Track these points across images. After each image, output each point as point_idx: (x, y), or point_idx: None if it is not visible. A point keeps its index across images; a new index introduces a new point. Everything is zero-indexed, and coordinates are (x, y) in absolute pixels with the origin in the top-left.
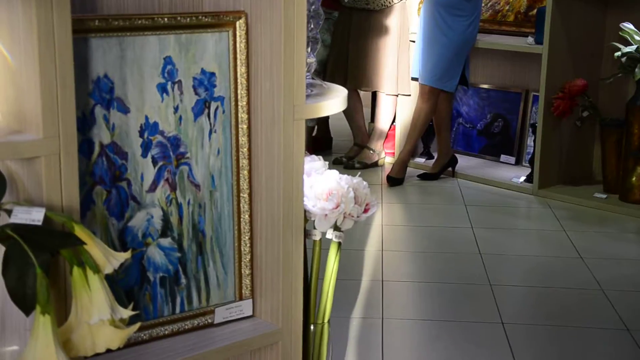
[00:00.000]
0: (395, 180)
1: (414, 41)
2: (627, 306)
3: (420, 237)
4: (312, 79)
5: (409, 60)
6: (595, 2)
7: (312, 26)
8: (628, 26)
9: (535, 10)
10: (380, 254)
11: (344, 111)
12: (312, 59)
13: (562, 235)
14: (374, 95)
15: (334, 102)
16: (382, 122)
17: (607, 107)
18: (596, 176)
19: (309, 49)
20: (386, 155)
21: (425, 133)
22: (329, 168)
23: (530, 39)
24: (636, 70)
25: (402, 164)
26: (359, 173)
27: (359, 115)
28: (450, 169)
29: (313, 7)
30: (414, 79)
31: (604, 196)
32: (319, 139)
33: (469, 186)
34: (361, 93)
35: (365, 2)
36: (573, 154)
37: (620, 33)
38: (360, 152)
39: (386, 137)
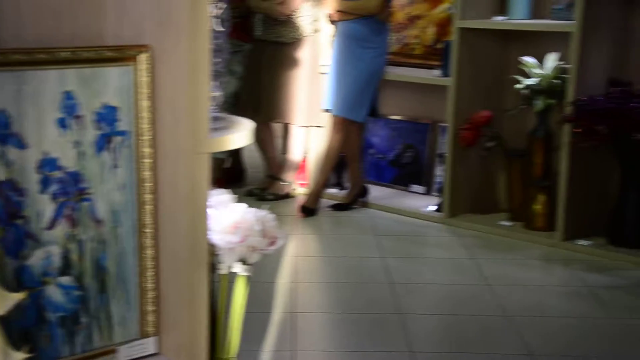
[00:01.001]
0: (309, 210)
1: (325, 73)
2: (533, 332)
3: (333, 268)
4: (218, 112)
5: (320, 93)
6: (497, 37)
7: (217, 60)
8: (529, 60)
9: (441, 44)
10: (292, 285)
11: (256, 143)
12: (218, 93)
13: (470, 263)
14: (286, 127)
15: (239, 135)
16: (294, 153)
17: (511, 137)
18: (502, 204)
19: (214, 83)
20: (298, 187)
21: (338, 164)
22: (242, 200)
23: (437, 72)
24: (537, 102)
25: (316, 195)
26: (268, 205)
27: (271, 147)
28: (361, 199)
29: (218, 41)
30: (326, 110)
31: (510, 224)
32: (232, 170)
33: (380, 216)
34: (273, 125)
35: (276, 35)
36: (480, 183)
37: (520, 66)
38: (273, 184)
39: (298, 168)
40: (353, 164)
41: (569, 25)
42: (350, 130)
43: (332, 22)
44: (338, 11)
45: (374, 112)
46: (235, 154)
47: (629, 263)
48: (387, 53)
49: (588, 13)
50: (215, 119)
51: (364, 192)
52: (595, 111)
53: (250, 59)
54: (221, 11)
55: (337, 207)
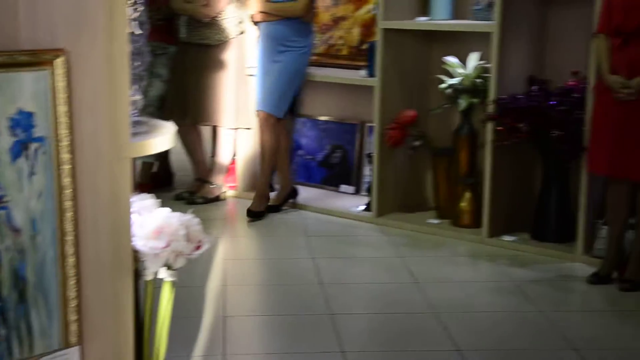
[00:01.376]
0: (255, 213)
1: (252, 75)
2: (461, 328)
3: (263, 270)
4: (140, 116)
5: (247, 94)
6: (420, 37)
7: (137, 63)
8: (451, 60)
9: (366, 45)
10: (222, 289)
11: (184, 146)
12: (138, 97)
13: (399, 261)
14: (214, 130)
15: (161, 139)
16: (223, 156)
17: (437, 136)
18: (429, 202)
19: (135, 87)
20: (228, 189)
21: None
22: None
23: (363, 72)
24: (460, 101)
25: (261, 197)
26: (193, 209)
27: (199, 150)
28: (292, 200)
29: (137, 44)
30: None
31: (437, 221)
32: (160, 175)
33: (310, 217)
34: (201, 127)
35: (201, 37)
36: (407, 182)
37: (444, 66)
38: (202, 187)
39: (227, 171)
40: (282, 166)
41: (489, 25)
42: (278, 130)
43: (255, 23)
44: (261, 12)
45: (294, 111)
46: (163, 157)
47: (552, 257)
48: (311, 54)
49: (507, 13)
50: (137, 123)
51: (294, 193)
52: (516, 109)
53: (175, 61)
54: (140, 14)
55: (268, 209)
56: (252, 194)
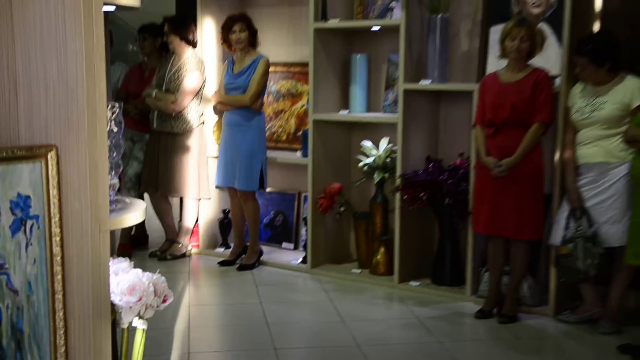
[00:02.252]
0: (248, 266)
1: (211, 157)
2: (378, 356)
3: (221, 313)
4: (116, 196)
5: (207, 172)
6: (343, 126)
7: (114, 154)
8: (367, 144)
9: (301, 132)
10: (188, 330)
11: (156, 213)
12: (115, 181)
13: (329, 303)
14: (181, 200)
15: (134, 214)
16: (188, 221)
17: (357, 203)
18: (353, 256)
19: (112, 173)
20: (192, 247)
21: (225, 227)
22: (146, 260)
23: (299, 154)
24: (374, 175)
25: (255, 252)
26: (158, 271)
27: (169, 216)
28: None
29: (114, 139)
30: (216, 186)
31: (359, 271)
32: (137, 236)
33: (259, 269)
34: (170, 198)
35: (170, 127)
36: (335, 239)
37: (361, 149)
38: (171, 246)
39: (192, 233)
40: (253, 232)
41: (395, 117)
42: (249, 200)
43: (216, 111)
44: (219, 103)
45: (262, 185)
46: (140, 222)
47: (447, 298)
48: (264, 135)
49: (407, 108)
50: (114, 202)
51: (261, 253)
52: (417, 182)
53: (149, 146)
54: (116, 115)
55: (244, 268)
56: (212, 252)
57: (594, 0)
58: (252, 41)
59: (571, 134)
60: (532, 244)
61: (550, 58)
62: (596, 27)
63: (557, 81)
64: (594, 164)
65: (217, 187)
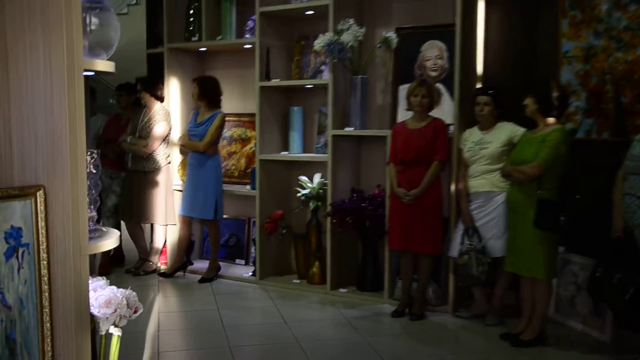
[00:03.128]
0: (208, 279)
1: (177, 190)
2: (315, 351)
3: (186, 319)
4: (95, 226)
5: (173, 203)
6: (284, 164)
7: (93, 192)
8: (303, 178)
9: (250, 169)
10: (157, 333)
11: (131, 236)
12: (94, 214)
13: (274, 309)
14: (152, 225)
15: (109, 241)
16: (158, 242)
17: (297, 226)
18: (293, 269)
19: (92, 207)
20: (161, 265)
21: (189, 248)
22: (123, 275)
23: (248, 187)
24: (310, 204)
25: (213, 269)
26: (130, 287)
27: (142, 239)
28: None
29: (93, 179)
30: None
31: (298, 281)
32: (116, 256)
33: (217, 282)
34: (142, 224)
35: (142, 166)
36: (279, 256)
37: (299, 182)
38: (144, 264)
39: (160, 253)
40: (213, 251)
41: (325, 157)
42: (210, 225)
43: (181, 152)
44: (182, 145)
45: (217, 212)
46: (117, 245)
47: (369, 301)
48: (219, 173)
49: (335, 149)
50: (93, 231)
51: (219, 268)
52: (344, 209)
53: (125, 182)
54: (94, 160)
55: (204, 280)
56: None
57: (476, 66)
58: (207, 98)
59: (463, 169)
60: (435, 256)
61: (445, 110)
62: (479, 85)
63: (452, 128)
64: (482, 193)
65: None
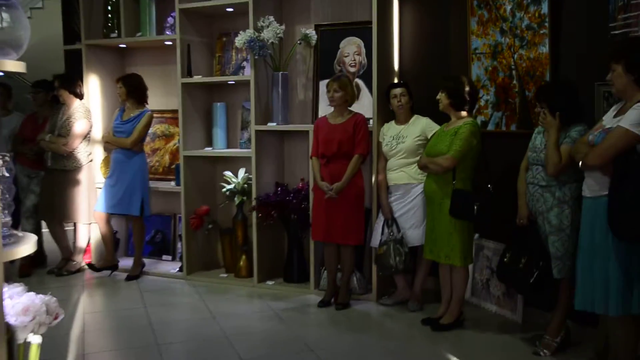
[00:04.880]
0: (134, 276)
1: (99, 188)
2: (243, 344)
3: (112, 318)
4: (9, 231)
5: (94, 201)
6: (208, 159)
7: (6, 196)
8: (228, 173)
9: (174, 165)
10: (83, 334)
11: (53, 236)
12: (8, 219)
13: (202, 303)
14: (75, 225)
15: (26, 246)
16: (81, 241)
17: (223, 220)
18: (220, 263)
19: (5, 212)
20: (85, 265)
21: (114, 245)
22: (45, 276)
23: (172, 183)
24: (235, 198)
25: (139, 265)
26: (49, 293)
27: (64, 238)
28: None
29: (6, 183)
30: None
31: (225, 275)
32: (36, 256)
33: (144, 278)
34: (64, 223)
35: (62, 165)
36: (206, 250)
37: (224, 177)
38: (67, 264)
39: (84, 252)
40: (138, 248)
41: (249, 152)
42: (135, 222)
43: (106, 149)
44: (107, 142)
45: (143, 210)
46: (39, 245)
47: (296, 292)
48: (144, 170)
49: (259, 144)
50: (7, 236)
51: (144, 265)
52: (269, 203)
53: (45, 181)
54: (7, 164)
55: (130, 278)
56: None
57: (392, 61)
58: (134, 96)
59: (383, 162)
60: (358, 247)
61: (365, 105)
62: (395, 80)
63: (371, 122)
64: (400, 185)
65: (95, 211)
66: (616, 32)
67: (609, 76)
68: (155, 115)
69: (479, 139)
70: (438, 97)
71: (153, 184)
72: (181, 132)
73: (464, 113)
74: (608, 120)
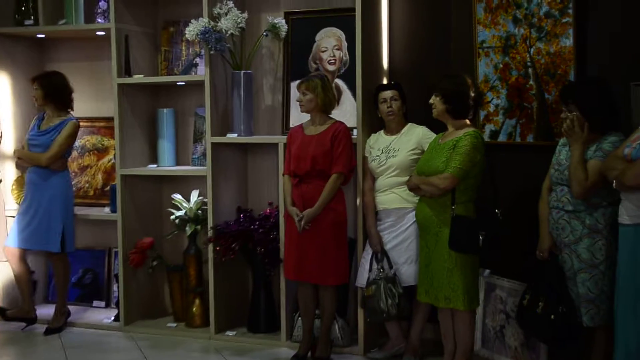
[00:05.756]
0: (56, 329)
1: (11, 216)
2: None
3: None
4: None
5: (7, 232)
6: (153, 180)
7: None
8: (177, 197)
9: (109, 187)
10: None
11: None
12: None
13: None
14: None
15: None
16: None
17: (171, 256)
18: (168, 310)
19: None
20: None
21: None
22: None
23: (107, 209)
24: (187, 228)
25: (63, 314)
26: None
27: None
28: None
29: None
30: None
31: (175, 325)
32: None
33: (66, 331)
34: None
35: None
36: (149, 294)
37: (172, 201)
38: None
39: None
40: (61, 293)
41: (204, 169)
42: (56, 260)
43: (19, 167)
44: (18, 158)
45: (64, 245)
46: None
47: (263, 345)
48: (66, 194)
49: (215, 160)
50: None
51: (69, 314)
52: (229, 233)
53: None
54: None
55: (50, 331)
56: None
57: (381, 57)
58: (54, 101)
59: (370, 181)
60: (340, 287)
61: (347, 111)
62: (384, 81)
63: (355, 132)
64: (392, 210)
65: (6, 246)
66: None
67: None
68: (83, 124)
69: (483, 153)
70: (431, 101)
71: (81, 211)
72: (117, 145)
73: (464, 121)
74: None
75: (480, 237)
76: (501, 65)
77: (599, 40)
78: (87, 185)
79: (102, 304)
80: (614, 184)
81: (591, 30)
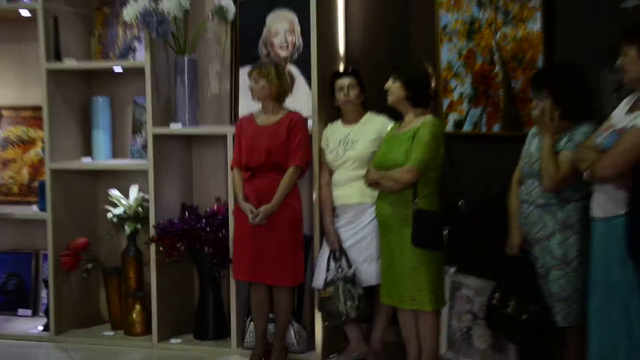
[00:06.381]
0: None
1: None
2: None
3: None
4: None
5: None
6: (87, 174)
7: None
8: (114, 193)
9: (37, 183)
10: None
11: None
12: None
13: None
14: None
15: None
16: None
17: (108, 257)
18: (104, 317)
19: None
20: None
21: None
22: None
23: (35, 207)
24: (126, 227)
25: None
26: None
27: None
28: None
29: None
30: None
31: (112, 333)
32: None
33: None
34: None
35: None
36: (83, 300)
37: (109, 198)
38: None
39: None
40: None
41: (145, 163)
42: None
43: None
44: None
45: None
46: None
47: (211, 353)
48: None
49: (157, 152)
50: None
51: None
52: (173, 232)
53: None
54: None
55: None
56: None
57: (337, 43)
58: None
59: (326, 175)
60: (296, 288)
61: (302, 100)
62: (341, 67)
63: (310, 122)
64: (350, 206)
65: None
66: (628, 5)
67: (620, 61)
68: (7, 113)
69: (445, 143)
70: (388, 85)
71: (4, 210)
72: (46, 137)
73: (424, 110)
74: (619, 117)
75: (444, 233)
76: (465, 52)
77: (567, 25)
78: (10, 181)
79: (29, 312)
80: (584, 176)
81: (560, 14)
